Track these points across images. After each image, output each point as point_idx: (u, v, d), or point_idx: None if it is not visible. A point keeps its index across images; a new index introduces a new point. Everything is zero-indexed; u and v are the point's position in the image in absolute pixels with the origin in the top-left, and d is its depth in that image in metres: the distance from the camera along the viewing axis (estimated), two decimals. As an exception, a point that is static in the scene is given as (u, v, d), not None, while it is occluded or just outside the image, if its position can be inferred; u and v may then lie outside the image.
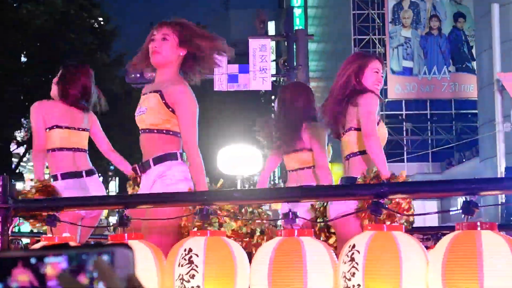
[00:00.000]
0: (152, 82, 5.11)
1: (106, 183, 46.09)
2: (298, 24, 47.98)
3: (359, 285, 3.40)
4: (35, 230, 6.44)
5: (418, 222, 5.36)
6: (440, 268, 3.31)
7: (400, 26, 37.74)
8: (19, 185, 37.60)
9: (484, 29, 24.27)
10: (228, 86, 24.43)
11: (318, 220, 5.38)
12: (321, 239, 4.95)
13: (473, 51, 35.12)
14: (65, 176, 6.10)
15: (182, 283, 3.63)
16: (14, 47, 30.78)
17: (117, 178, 50.58)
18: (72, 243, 3.98)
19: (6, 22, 30.18)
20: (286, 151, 6.44)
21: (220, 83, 24.31)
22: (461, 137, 35.50)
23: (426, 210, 5.26)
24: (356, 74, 5.37)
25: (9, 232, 4.01)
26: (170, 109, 4.82)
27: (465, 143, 33.04)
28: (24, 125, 34.27)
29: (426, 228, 7.26)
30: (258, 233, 4.45)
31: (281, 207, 6.17)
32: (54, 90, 6.48)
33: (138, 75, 18.49)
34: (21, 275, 1.13)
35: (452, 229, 3.50)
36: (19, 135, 35.21)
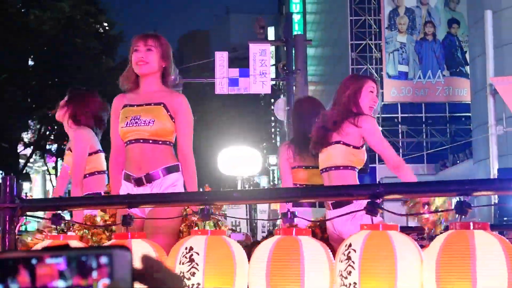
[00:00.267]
0: (134, 92, 5.10)
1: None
2: (297, 29, 48.01)
3: (355, 283, 3.40)
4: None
5: (414, 221, 5.38)
6: (434, 266, 3.30)
7: (396, 31, 37.77)
8: (25, 185, 37.65)
9: (477, 35, 24.28)
10: (229, 90, 24.47)
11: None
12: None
13: (467, 56, 35.14)
14: None
15: (183, 280, 3.63)
16: (22, 51, 30.80)
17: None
18: (75, 244, 3.96)
19: (14, 27, 30.21)
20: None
21: (221, 87, 24.34)
22: (455, 139, 35.51)
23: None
24: (353, 97, 5.42)
25: (16, 231, 4.00)
26: (173, 120, 4.87)
27: (459, 146, 33.05)
28: (31, 127, 34.31)
29: (421, 227, 7.25)
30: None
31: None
32: (61, 114, 6.37)
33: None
34: (21, 276, 1.12)
35: (446, 228, 3.50)
36: (26, 136, 35.25)
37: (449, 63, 37.74)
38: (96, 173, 6.09)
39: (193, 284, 3.61)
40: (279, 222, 5.26)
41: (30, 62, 33.25)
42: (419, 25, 37.76)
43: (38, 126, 33.88)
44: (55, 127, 32.83)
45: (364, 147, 5.36)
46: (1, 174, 34.00)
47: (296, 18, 52.07)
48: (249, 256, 3.79)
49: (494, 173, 18.49)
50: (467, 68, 34.90)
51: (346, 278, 3.43)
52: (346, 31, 40.16)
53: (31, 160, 37.79)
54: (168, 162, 4.90)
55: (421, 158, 35.92)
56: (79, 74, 29.58)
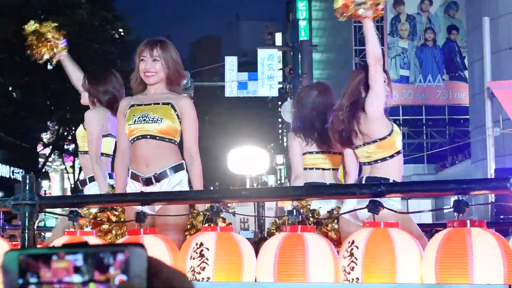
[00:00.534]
0: (141, 94, 5.09)
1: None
2: (303, 35, 47.94)
3: (357, 278, 3.40)
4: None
5: (413, 219, 5.32)
6: (434, 262, 3.30)
7: (398, 37, 37.71)
8: (44, 183, 37.73)
9: (476, 41, 24.22)
10: (238, 93, 24.49)
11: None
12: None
13: (465, 61, 35.03)
14: None
15: (193, 274, 3.63)
16: (42, 56, 30.82)
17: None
18: (92, 240, 3.97)
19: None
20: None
21: (231, 90, 24.36)
22: (454, 140, 35.42)
23: (421, 208, 5.24)
24: (365, 82, 5.24)
25: (35, 227, 4.01)
26: (179, 120, 4.88)
27: (458, 147, 32.96)
28: (50, 128, 34.38)
29: (421, 225, 7.21)
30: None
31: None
32: (84, 97, 6.31)
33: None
34: (41, 271, 1.12)
35: (445, 226, 3.49)
36: (45, 137, 35.31)
37: (449, 68, 37.66)
38: (104, 155, 6.02)
39: (203, 278, 3.62)
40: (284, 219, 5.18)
41: (49, 67, 33.30)
42: (419, 31, 37.68)
43: (56, 127, 33.94)
44: (73, 128, 32.88)
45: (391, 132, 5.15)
46: (22, 172, 34.06)
47: (302, 24, 52.00)
48: (256, 252, 3.79)
49: (491, 173, 18.44)
50: (466, 73, 34.79)
51: (349, 273, 3.43)
52: (350, 36, 40.14)
53: (50, 159, 37.85)
54: (175, 161, 4.90)
55: (422, 158, 35.84)
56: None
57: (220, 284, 3.63)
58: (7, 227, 5.69)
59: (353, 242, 3.46)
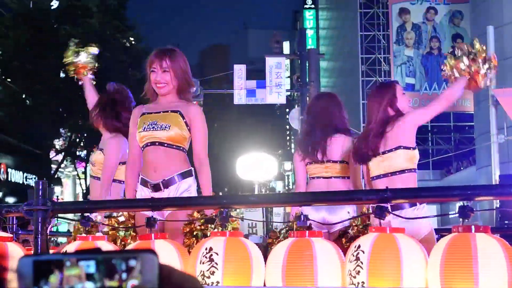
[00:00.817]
0: (153, 103, 5.12)
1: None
2: (310, 44, 47.99)
3: (363, 282, 3.39)
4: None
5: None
6: (438, 267, 3.29)
7: (404, 46, 37.70)
8: (57, 189, 37.80)
9: (480, 49, 24.19)
10: (246, 100, 24.47)
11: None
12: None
13: (470, 69, 34.96)
14: None
15: (203, 279, 3.64)
16: (55, 64, 30.93)
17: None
18: (103, 245, 3.97)
19: (48, 42, 30.37)
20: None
21: (240, 97, 24.35)
22: (459, 147, 35.38)
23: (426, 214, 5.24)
24: (391, 104, 5.28)
25: (47, 232, 4.02)
26: (188, 127, 4.90)
27: (463, 153, 32.92)
28: (63, 135, 34.47)
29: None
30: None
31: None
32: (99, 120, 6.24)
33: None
34: (53, 278, 1.13)
35: (450, 231, 3.49)
36: (58, 143, 35.40)
37: (454, 76, 37.62)
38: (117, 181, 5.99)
39: (212, 283, 3.62)
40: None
41: (62, 75, 33.40)
42: (425, 40, 37.67)
43: (69, 134, 34.06)
44: (85, 135, 32.99)
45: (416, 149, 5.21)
46: (34, 178, 34.16)
47: (310, 33, 52.06)
48: (265, 256, 3.79)
49: (495, 179, 18.40)
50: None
51: (354, 277, 3.43)
52: (357, 45, 40.13)
53: (62, 165, 37.96)
54: (183, 168, 4.92)
55: (427, 164, 35.80)
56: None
57: (229, 288, 3.64)
58: (20, 232, 5.70)
59: (359, 246, 3.46)
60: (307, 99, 22.20)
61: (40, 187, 3.94)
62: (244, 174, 26.16)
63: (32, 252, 4.32)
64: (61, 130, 33.94)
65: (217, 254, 3.65)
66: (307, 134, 6.06)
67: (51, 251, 4.98)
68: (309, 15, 56.92)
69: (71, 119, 32.45)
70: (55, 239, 10.20)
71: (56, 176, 36.84)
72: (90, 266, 1.12)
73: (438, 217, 25.84)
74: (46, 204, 3.92)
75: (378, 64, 39.53)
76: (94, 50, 6.80)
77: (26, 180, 35.99)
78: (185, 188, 4.87)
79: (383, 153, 5.20)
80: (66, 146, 34.59)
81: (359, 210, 5.48)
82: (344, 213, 5.54)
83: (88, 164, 32.45)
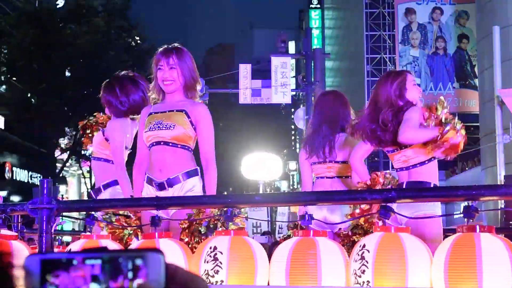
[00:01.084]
0: (160, 102, 5.12)
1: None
2: (316, 43, 47.94)
3: (368, 281, 3.39)
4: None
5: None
6: (443, 267, 3.29)
7: (409, 46, 37.65)
8: (62, 188, 37.85)
9: (486, 49, 24.15)
10: (252, 100, 24.49)
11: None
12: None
13: (476, 69, 34.97)
14: None
15: (207, 278, 3.64)
16: (60, 64, 30.99)
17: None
18: (108, 244, 3.98)
19: (52, 42, 30.40)
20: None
21: (245, 97, 24.37)
22: (464, 147, 35.30)
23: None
24: (399, 92, 5.15)
25: (52, 231, 4.03)
26: (194, 126, 4.90)
27: (468, 153, 32.84)
28: (68, 134, 34.49)
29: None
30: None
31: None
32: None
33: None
34: (61, 277, 1.13)
35: (455, 231, 3.49)
36: (63, 142, 35.42)
37: (459, 76, 37.56)
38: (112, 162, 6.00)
39: (216, 281, 3.63)
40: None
41: (67, 74, 33.44)
42: (430, 40, 37.61)
43: (74, 133, 34.05)
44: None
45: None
46: (39, 177, 34.20)
47: (315, 33, 52.02)
48: (269, 256, 3.79)
49: (500, 180, 18.36)
50: (476, 81, 34.69)
51: (360, 276, 3.43)
52: (362, 45, 40.09)
53: (67, 164, 37.96)
54: (188, 167, 4.93)
55: (432, 165, 35.73)
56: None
57: (234, 287, 3.64)
58: (25, 231, 5.71)
59: (364, 245, 3.46)
60: (312, 99, 22.20)
61: (45, 186, 3.95)
62: (249, 174, 26.15)
63: (37, 250, 4.32)
64: (66, 129, 33.95)
65: (221, 253, 3.66)
66: (314, 131, 6.08)
67: (55, 250, 4.99)
68: (314, 14, 56.88)
69: (76, 118, 32.45)
70: (60, 238, 10.21)
71: (61, 175, 36.89)
72: (96, 265, 1.12)
73: (442, 217, 25.79)
74: (51, 202, 3.93)
75: (384, 64, 39.49)
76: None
77: (31, 179, 36.04)
78: (190, 187, 4.88)
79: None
80: (71, 145, 34.58)
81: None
82: (346, 212, 5.54)
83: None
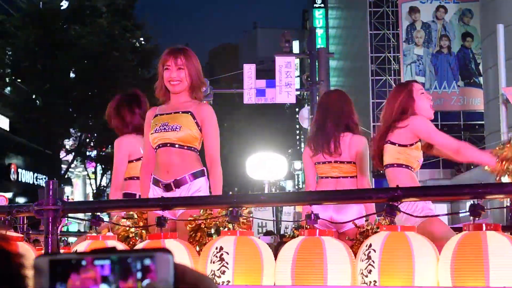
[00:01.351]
0: (165, 103, 5.13)
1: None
2: (320, 43, 48.00)
3: (375, 281, 3.39)
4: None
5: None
6: (450, 265, 3.29)
7: (413, 45, 37.66)
8: (67, 189, 37.91)
9: (490, 48, 24.16)
10: (256, 100, 24.50)
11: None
12: None
13: (480, 67, 34.96)
14: None
15: (213, 278, 3.64)
16: (64, 64, 31.00)
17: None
18: (115, 244, 3.98)
19: (57, 42, 30.42)
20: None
21: (249, 97, 24.38)
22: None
23: (437, 212, 5.23)
24: (406, 102, 5.35)
25: (58, 232, 4.03)
26: (199, 128, 4.91)
27: (473, 152, 32.81)
28: (73, 135, 34.51)
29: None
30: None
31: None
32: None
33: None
34: (70, 279, 1.13)
35: (461, 229, 3.48)
36: (68, 143, 35.45)
37: (463, 74, 37.56)
38: (135, 178, 6.09)
39: (223, 282, 3.62)
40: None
41: (72, 75, 33.46)
42: (435, 38, 37.62)
43: (79, 134, 34.08)
44: (95, 135, 33.01)
45: (415, 146, 5.25)
46: (45, 178, 34.27)
47: (319, 32, 52.07)
48: (275, 255, 3.79)
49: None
50: (480, 79, 34.71)
51: (366, 276, 3.42)
52: (366, 44, 40.10)
53: (73, 165, 37.99)
54: (194, 168, 4.93)
55: (438, 163, 35.73)
56: (117, 86, 29.71)
57: (240, 287, 3.64)
58: (30, 232, 5.72)
59: (370, 245, 3.46)
60: (317, 98, 22.20)
61: (51, 187, 3.95)
62: (253, 174, 26.14)
63: (42, 252, 4.32)
64: (71, 130, 33.96)
65: (227, 253, 3.65)
66: (319, 128, 6.07)
67: (61, 251, 4.99)
68: (318, 14, 56.94)
69: (81, 119, 32.49)
70: (66, 239, 10.22)
71: (66, 176, 36.91)
72: (105, 265, 1.12)
73: (448, 216, 25.81)
74: (57, 204, 3.93)
75: (388, 63, 39.50)
76: None
77: (36, 180, 36.10)
78: (197, 188, 4.88)
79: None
80: (76, 146, 34.61)
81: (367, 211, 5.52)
82: (351, 213, 5.56)
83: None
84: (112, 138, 6.43)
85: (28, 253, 4.26)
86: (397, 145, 5.21)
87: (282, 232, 19.76)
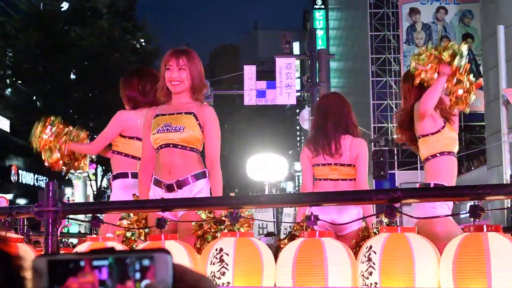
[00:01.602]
0: (166, 104, 5.14)
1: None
2: (320, 44, 48.00)
3: (376, 283, 3.38)
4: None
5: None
6: (451, 266, 3.28)
7: (414, 46, 37.64)
8: (67, 190, 37.92)
9: (490, 49, 24.17)
10: (257, 101, 24.49)
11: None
12: None
13: (481, 68, 34.95)
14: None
15: (213, 279, 3.63)
16: (64, 66, 31.02)
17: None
18: (114, 245, 3.98)
19: (57, 44, 30.44)
20: None
21: (250, 98, 24.38)
22: (470, 147, 35.28)
23: (439, 213, 5.23)
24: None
25: (58, 233, 4.02)
26: (202, 129, 4.91)
27: (474, 153, 32.84)
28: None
29: None
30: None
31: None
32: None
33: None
34: (68, 277, 1.12)
35: (461, 231, 3.48)
36: (68, 145, 35.45)
37: (464, 75, 37.56)
38: (123, 155, 6.17)
39: (223, 283, 3.62)
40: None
41: (72, 76, 33.48)
42: (435, 39, 37.59)
43: (79, 135, 34.09)
44: (95, 137, 33.00)
45: (444, 130, 5.48)
46: (45, 179, 34.25)
47: (320, 33, 52.07)
48: (275, 257, 3.78)
49: (506, 179, 18.37)
50: (481, 80, 34.71)
51: (367, 278, 3.42)
52: (367, 45, 40.10)
53: (73, 166, 37.96)
54: (196, 169, 4.93)
55: (438, 164, 35.69)
56: (117, 87, 29.69)
57: (240, 288, 3.63)
58: (30, 233, 5.72)
59: (370, 247, 3.45)
60: (317, 99, 22.20)
61: (51, 188, 3.94)
62: (254, 175, 26.15)
63: (42, 253, 4.32)
64: (72, 132, 34.00)
65: (227, 254, 3.65)
66: (318, 129, 6.06)
67: (61, 252, 4.99)
68: (319, 15, 56.94)
69: (82, 120, 32.50)
70: (66, 240, 10.23)
71: (66, 177, 36.91)
72: (104, 266, 1.11)
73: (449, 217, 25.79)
74: (57, 205, 3.93)
75: (388, 64, 39.49)
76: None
77: (37, 182, 36.12)
78: (199, 189, 4.88)
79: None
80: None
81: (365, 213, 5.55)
82: (352, 216, 5.55)
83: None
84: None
85: (28, 254, 4.25)
86: (429, 135, 5.51)
87: (282, 233, 19.78)
